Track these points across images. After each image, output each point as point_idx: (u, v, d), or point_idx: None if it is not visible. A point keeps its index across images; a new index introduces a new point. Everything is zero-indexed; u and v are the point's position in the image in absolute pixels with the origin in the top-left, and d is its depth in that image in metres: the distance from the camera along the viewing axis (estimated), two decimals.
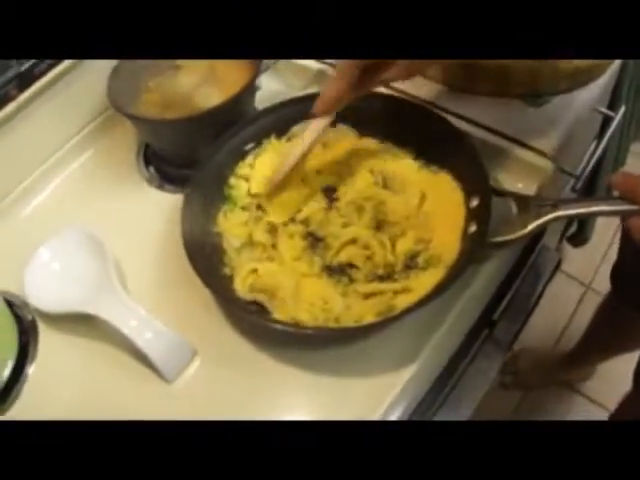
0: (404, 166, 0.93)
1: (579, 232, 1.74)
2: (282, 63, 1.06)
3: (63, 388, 0.83)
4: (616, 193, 0.72)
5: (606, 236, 2.15)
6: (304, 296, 0.82)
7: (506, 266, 0.92)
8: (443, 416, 0.87)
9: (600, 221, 1.75)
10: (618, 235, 2.07)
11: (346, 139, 0.96)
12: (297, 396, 0.81)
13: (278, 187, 0.90)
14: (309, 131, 0.86)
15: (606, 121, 1.13)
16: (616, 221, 2.13)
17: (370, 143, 0.95)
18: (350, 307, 0.81)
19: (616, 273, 1.48)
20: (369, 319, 0.78)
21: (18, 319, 0.87)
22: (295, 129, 0.96)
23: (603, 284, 1.66)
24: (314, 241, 0.88)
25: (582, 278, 2.16)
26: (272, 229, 0.89)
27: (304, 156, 0.88)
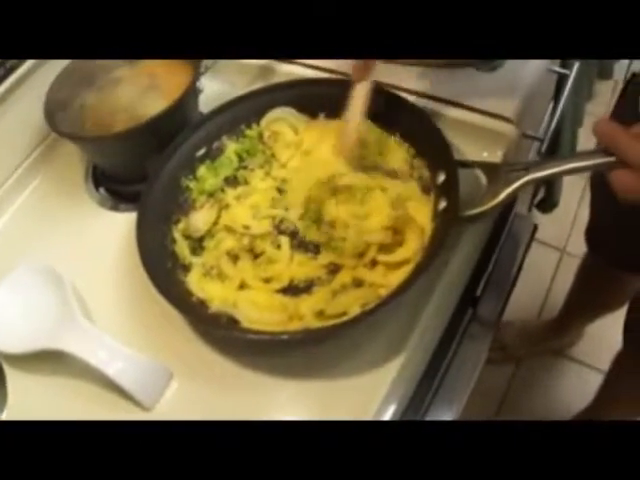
0: None
1: (547, 197, 1.72)
2: (222, 63, 1.02)
3: None
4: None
5: (573, 198, 2.14)
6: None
7: (482, 239, 0.89)
8: (437, 407, 0.84)
9: (566, 184, 1.73)
10: (585, 196, 2.07)
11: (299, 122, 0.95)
12: (284, 407, 0.77)
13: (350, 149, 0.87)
14: (356, 98, 0.84)
15: (561, 80, 1.11)
16: (582, 182, 2.13)
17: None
18: (336, 298, 0.78)
19: (591, 233, 1.46)
20: (355, 310, 0.75)
21: None
22: (244, 127, 0.95)
23: (578, 246, 1.65)
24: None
25: (556, 243, 2.15)
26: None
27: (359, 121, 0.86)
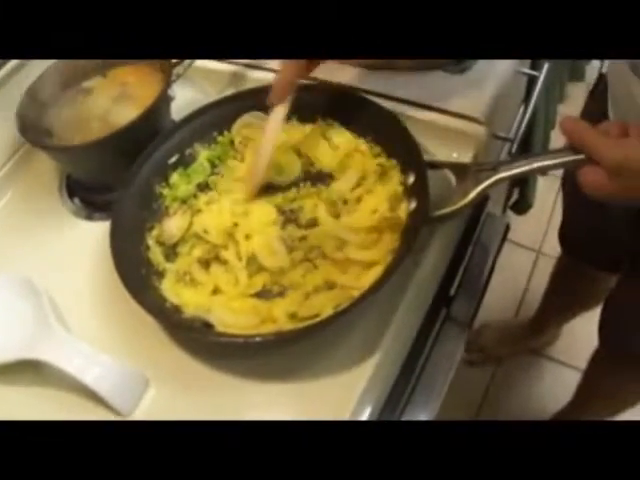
0: None
1: (521, 199, 1.74)
2: (193, 70, 1.03)
3: None
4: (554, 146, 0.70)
5: (548, 199, 2.16)
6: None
7: (454, 240, 0.90)
8: (414, 407, 0.84)
9: (541, 185, 1.76)
10: (560, 196, 2.09)
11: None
12: (262, 408, 0.77)
13: (257, 186, 0.88)
14: (271, 123, 0.85)
15: (531, 82, 1.13)
16: (556, 183, 2.15)
17: (301, 128, 0.94)
18: (308, 301, 0.78)
19: (564, 233, 1.48)
20: (328, 312, 0.75)
21: None
22: (215, 134, 0.95)
23: (553, 247, 1.66)
24: None
25: (531, 244, 2.17)
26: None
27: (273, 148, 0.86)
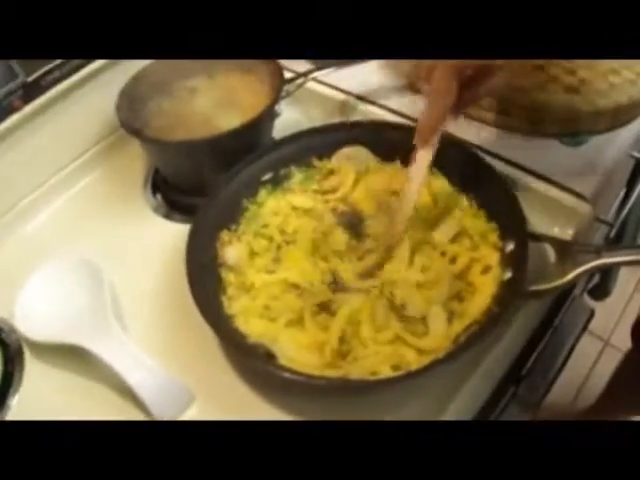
0: None
1: (602, 284, 1.67)
2: (303, 91, 1.01)
3: None
4: None
5: (626, 290, 2.09)
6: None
7: (536, 317, 0.85)
8: None
9: (621, 275, 1.69)
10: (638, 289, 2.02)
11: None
12: None
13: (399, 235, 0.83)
14: (416, 170, 0.80)
15: (638, 166, 1.08)
16: (637, 274, 2.08)
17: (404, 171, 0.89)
18: (363, 355, 0.74)
19: (639, 330, 1.42)
20: (385, 371, 0.71)
21: (5, 346, 0.82)
22: (314, 160, 0.93)
23: (622, 340, 1.59)
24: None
25: (600, 333, 2.09)
26: None
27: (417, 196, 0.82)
